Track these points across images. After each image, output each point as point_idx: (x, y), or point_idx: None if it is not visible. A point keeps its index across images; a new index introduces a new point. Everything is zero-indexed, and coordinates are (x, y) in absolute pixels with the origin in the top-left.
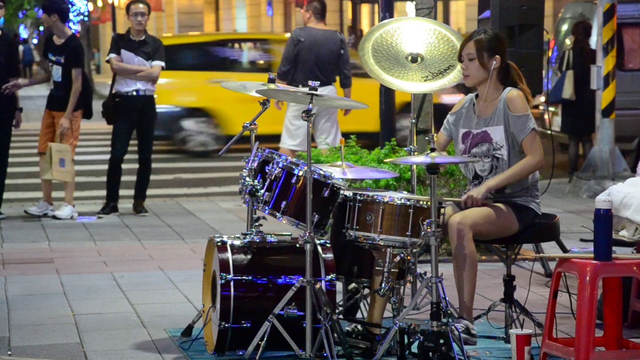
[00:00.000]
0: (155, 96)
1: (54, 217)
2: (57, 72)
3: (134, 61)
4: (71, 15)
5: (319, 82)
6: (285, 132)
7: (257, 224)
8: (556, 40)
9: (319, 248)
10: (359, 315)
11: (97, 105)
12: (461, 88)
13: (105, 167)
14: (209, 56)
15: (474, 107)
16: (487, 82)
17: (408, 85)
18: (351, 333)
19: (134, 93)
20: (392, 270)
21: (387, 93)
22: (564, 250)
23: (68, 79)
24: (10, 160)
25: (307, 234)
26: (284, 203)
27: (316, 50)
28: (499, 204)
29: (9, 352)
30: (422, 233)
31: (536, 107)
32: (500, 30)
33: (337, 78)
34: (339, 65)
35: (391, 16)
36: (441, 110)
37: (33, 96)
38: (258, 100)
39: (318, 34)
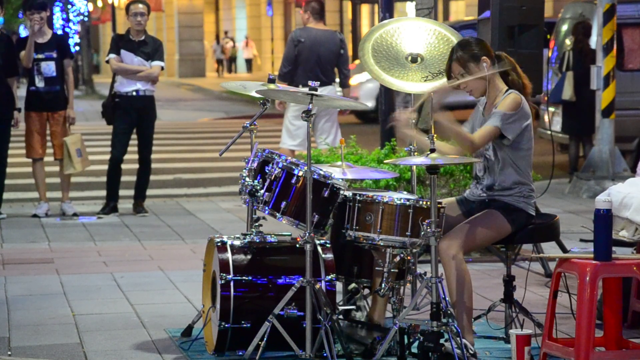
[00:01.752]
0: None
1: (75, 214)
2: (48, 68)
3: (133, 61)
4: (71, 15)
5: (318, 82)
6: (285, 132)
7: (257, 224)
8: (556, 40)
9: (319, 248)
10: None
11: (97, 106)
12: None
13: (105, 167)
14: None
15: (483, 108)
16: (489, 85)
17: (408, 85)
18: (351, 333)
19: (134, 93)
20: (392, 270)
21: (387, 93)
22: (564, 250)
23: (63, 73)
24: (10, 160)
25: (307, 234)
26: (283, 203)
27: (317, 51)
28: (487, 211)
29: (9, 352)
30: (422, 233)
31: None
32: (500, 30)
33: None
34: (338, 65)
35: (391, 16)
36: None
37: None
38: (258, 100)
39: (318, 34)
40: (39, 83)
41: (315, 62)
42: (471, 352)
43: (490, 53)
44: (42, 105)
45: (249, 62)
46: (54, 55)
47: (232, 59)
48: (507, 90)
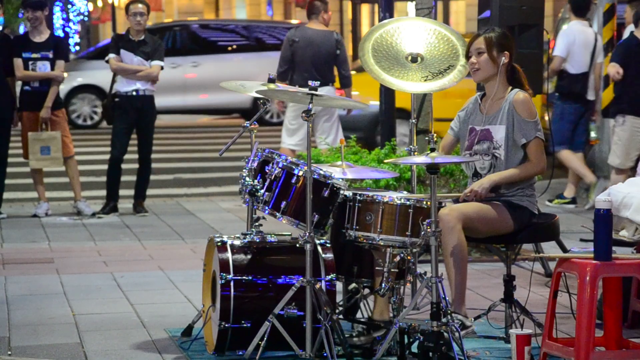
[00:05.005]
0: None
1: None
2: (44, 68)
3: (133, 61)
4: (71, 15)
5: (318, 82)
6: (285, 132)
7: (257, 224)
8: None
9: (319, 248)
10: (358, 315)
11: None
12: None
13: (105, 167)
14: None
15: (480, 104)
16: (497, 78)
17: (408, 85)
18: (351, 333)
19: (134, 93)
20: (392, 270)
21: (387, 93)
22: (564, 250)
23: None
24: (9, 160)
25: (307, 234)
26: (283, 203)
27: (312, 51)
28: (493, 202)
29: (9, 352)
30: (422, 233)
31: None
32: None
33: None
34: (337, 66)
35: (391, 16)
36: None
37: None
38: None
39: (313, 34)
40: (34, 83)
41: (310, 62)
42: (468, 323)
43: (512, 54)
44: (36, 105)
45: None
46: (50, 55)
47: None
48: (511, 88)
